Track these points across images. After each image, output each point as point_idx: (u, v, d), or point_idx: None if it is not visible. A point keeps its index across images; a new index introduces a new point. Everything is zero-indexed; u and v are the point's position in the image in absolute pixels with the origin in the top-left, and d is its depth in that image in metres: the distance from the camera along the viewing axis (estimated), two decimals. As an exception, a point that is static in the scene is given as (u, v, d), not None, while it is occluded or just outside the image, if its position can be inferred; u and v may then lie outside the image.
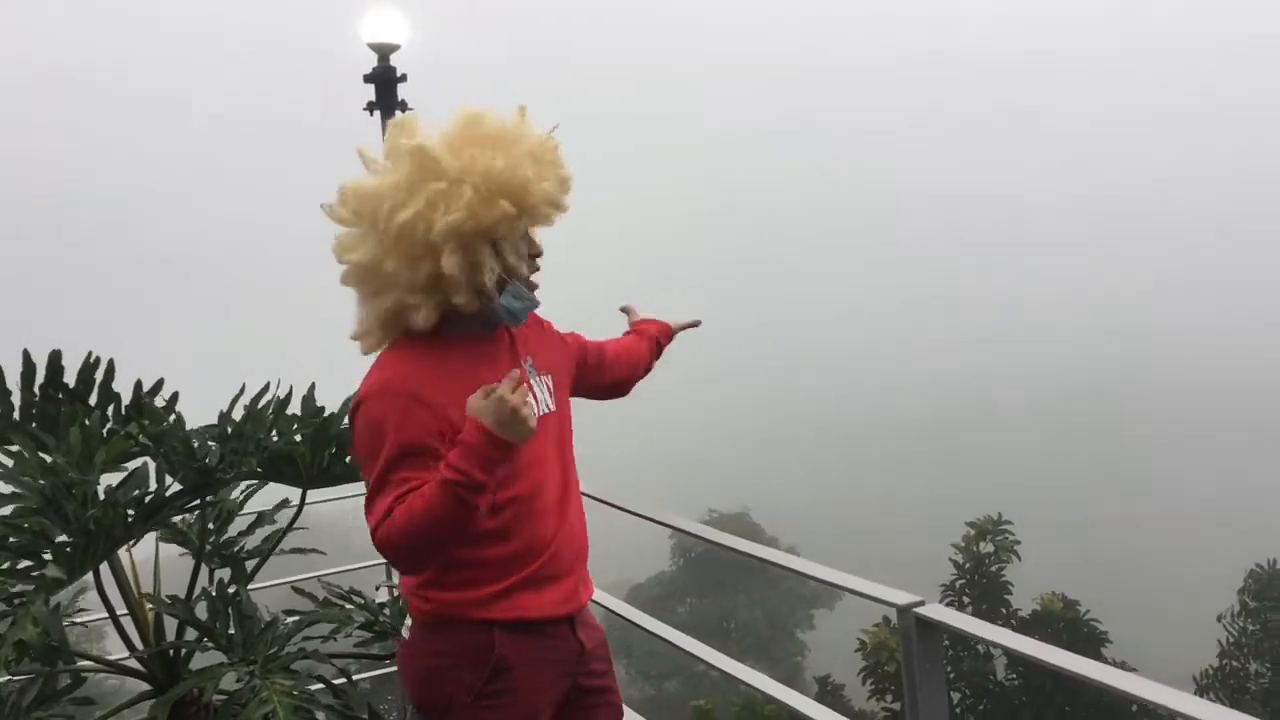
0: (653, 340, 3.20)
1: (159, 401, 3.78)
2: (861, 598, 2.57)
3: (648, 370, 3.18)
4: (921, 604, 2.38)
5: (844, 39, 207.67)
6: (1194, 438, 74.34)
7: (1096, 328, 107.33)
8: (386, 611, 3.71)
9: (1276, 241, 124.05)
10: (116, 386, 3.74)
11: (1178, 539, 55.92)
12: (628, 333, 3.23)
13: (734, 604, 35.08)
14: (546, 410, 2.57)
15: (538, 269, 2.52)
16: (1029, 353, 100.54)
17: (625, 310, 3.33)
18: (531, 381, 2.54)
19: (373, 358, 2.50)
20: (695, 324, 3.32)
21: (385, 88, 9.57)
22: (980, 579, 13.66)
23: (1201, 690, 12.95)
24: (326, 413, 3.68)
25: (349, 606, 3.67)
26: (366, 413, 2.35)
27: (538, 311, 2.65)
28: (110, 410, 3.73)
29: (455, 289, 2.37)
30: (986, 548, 13.83)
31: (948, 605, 13.46)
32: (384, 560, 2.85)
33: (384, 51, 9.61)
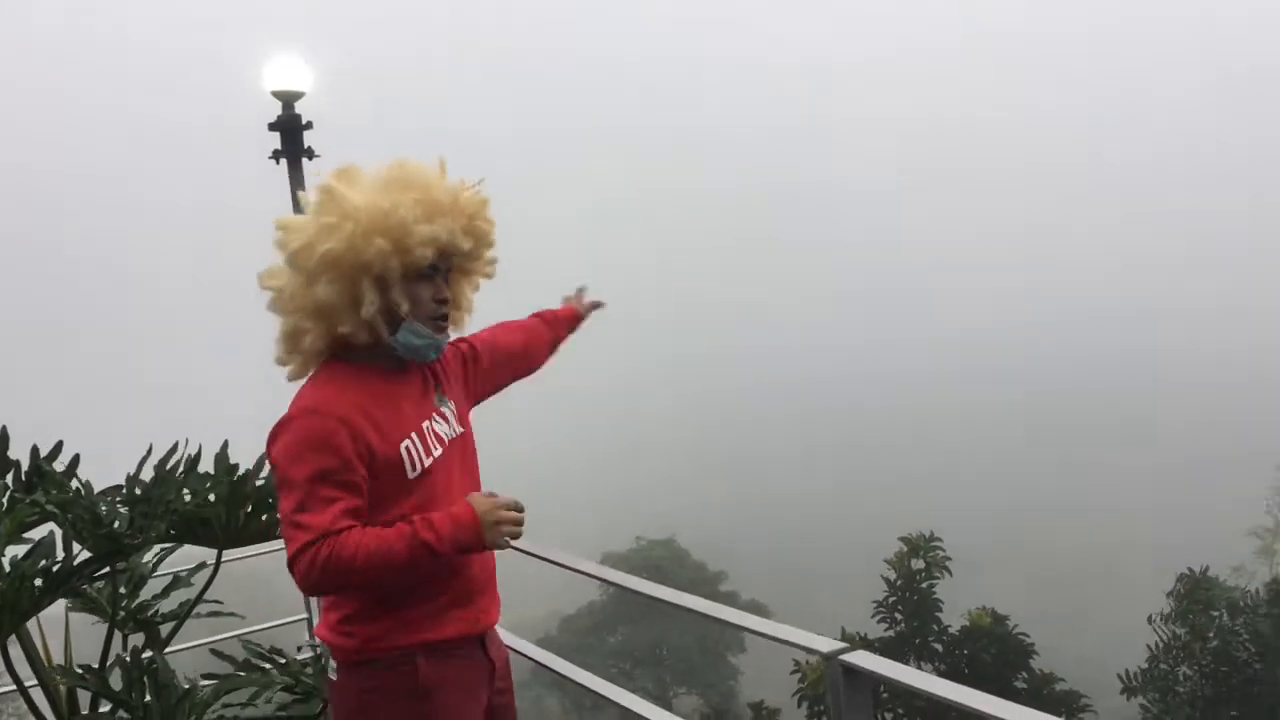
0: (557, 325, 3.33)
1: (59, 465, 3.66)
2: (786, 645, 2.55)
3: (550, 353, 3.31)
4: (847, 650, 2.37)
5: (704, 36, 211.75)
6: (1121, 444, 76.42)
7: (1021, 328, 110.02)
8: (309, 671, 3.61)
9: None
10: (13, 453, 3.62)
11: (1107, 546, 57.27)
12: (532, 315, 3.33)
13: (666, 631, 35.01)
14: (453, 435, 2.70)
15: (441, 312, 2.62)
16: (957, 362, 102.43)
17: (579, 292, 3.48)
18: (444, 410, 2.69)
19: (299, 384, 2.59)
20: (599, 304, 3.48)
21: (291, 135, 9.50)
22: (912, 596, 13.77)
23: (1129, 691, 13.20)
24: (241, 470, 3.58)
25: (269, 668, 3.57)
26: (294, 430, 2.41)
27: None
28: (10, 478, 3.59)
29: (337, 317, 2.49)
30: (918, 564, 13.95)
31: (880, 621, 13.67)
32: (300, 616, 2.80)
33: (288, 99, 9.55)
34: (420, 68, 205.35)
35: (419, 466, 2.52)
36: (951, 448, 79.17)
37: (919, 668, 13.21)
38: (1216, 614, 13.03)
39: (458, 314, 2.76)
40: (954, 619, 13.77)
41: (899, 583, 13.93)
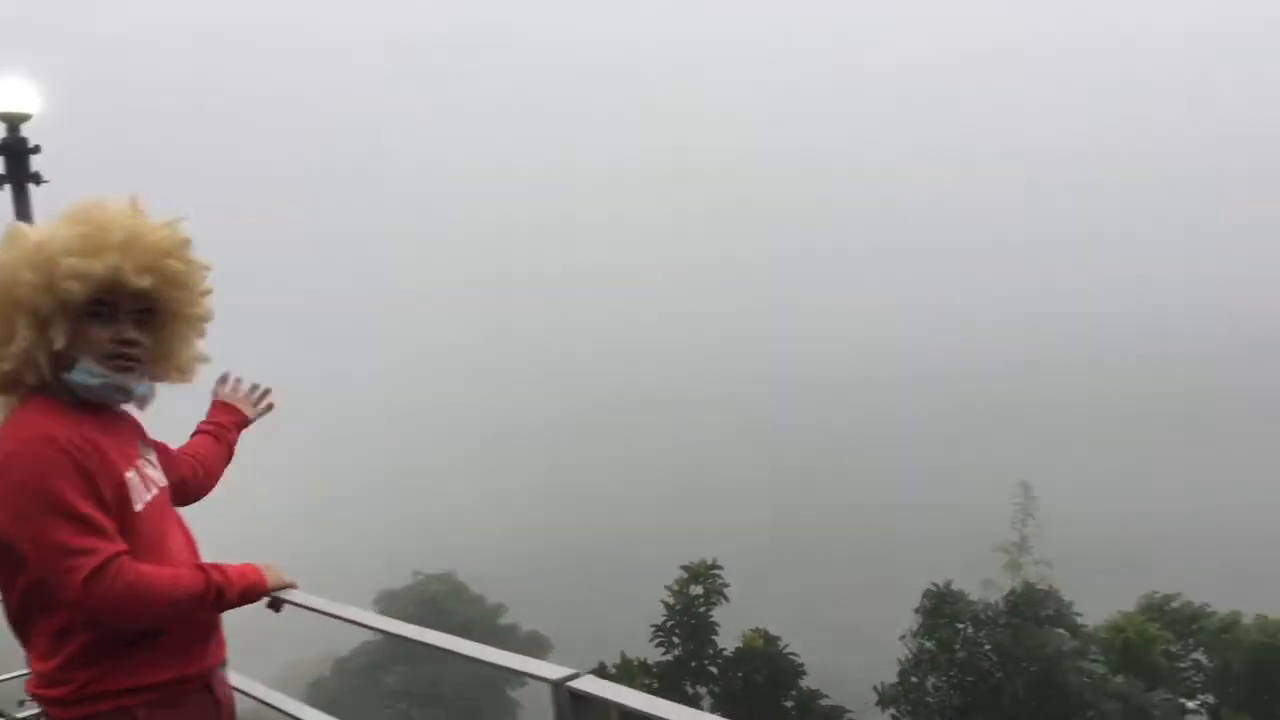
0: (228, 442, 3.29)
1: None
2: (514, 673, 2.59)
3: (219, 476, 3.24)
4: (575, 677, 2.40)
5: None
6: (877, 457, 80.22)
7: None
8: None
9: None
10: None
11: (872, 558, 59.79)
12: (203, 430, 3.27)
13: (444, 668, 34.35)
14: (163, 484, 2.67)
15: (119, 352, 2.49)
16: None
17: (221, 381, 3.37)
18: (149, 458, 2.68)
19: None
20: (268, 408, 3.45)
21: (16, 160, 8.99)
22: (690, 621, 14.14)
23: (883, 703, 13.96)
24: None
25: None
26: (27, 460, 2.35)
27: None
28: None
29: None
30: (697, 590, 14.35)
31: (658, 645, 13.94)
32: (21, 672, 2.70)
33: (13, 121, 9.04)
34: (159, 94, 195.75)
35: (140, 503, 2.48)
36: (724, 469, 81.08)
37: (695, 691, 13.58)
38: (962, 626, 13.96)
39: (166, 362, 2.64)
40: (731, 640, 14.24)
41: (678, 607, 14.30)
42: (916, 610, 14.32)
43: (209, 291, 2.66)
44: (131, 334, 2.49)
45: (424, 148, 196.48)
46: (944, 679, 13.73)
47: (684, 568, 14.90)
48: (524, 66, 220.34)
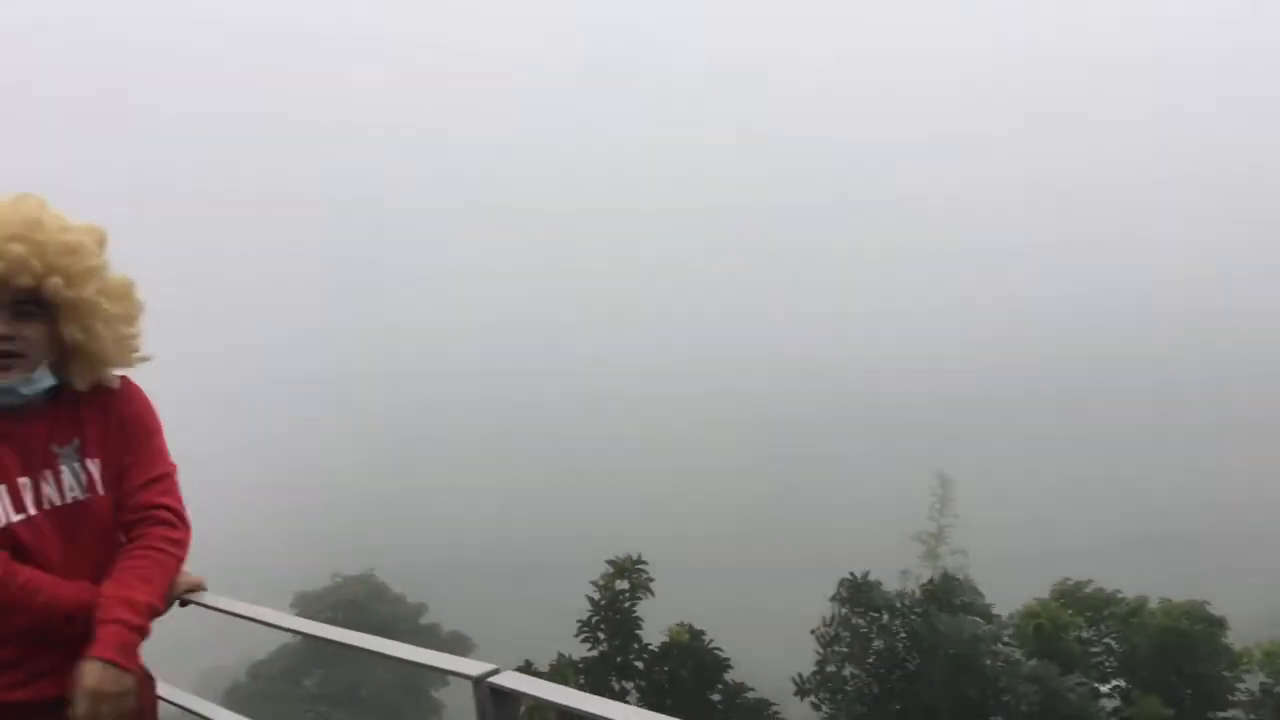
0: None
1: None
2: (436, 671, 2.60)
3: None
4: (495, 673, 2.42)
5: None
6: (800, 444, 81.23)
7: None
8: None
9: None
10: None
11: (794, 549, 60.47)
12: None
13: (364, 670, 33.94)
14: (67, 499, 2.49)
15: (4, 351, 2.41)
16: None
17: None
18: (68, 467, 2.50)
19: None
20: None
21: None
22: (615, 615, 14.15)
23: (801, 692, 14.12)
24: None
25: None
26: None
27: (145, 392, 2.66)
28: None
29: None
30: (622, 585, 14.37)
31: (583, 641, 13.91)
32: None
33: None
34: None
35: (1, 521, 2.37)
36: (645, 465, 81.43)
37: (621, 686, 13.59)
38: (877, 615, 14.18)
39: (81, 353, 2.51)
40: (656, 635, 14.28)
41: (603, 603, 14.30)
42: (831, 599, 14.53)
43: (95, 268, 2.49)
44: (2, 329, 2.38)
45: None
46: (861, 668, 13.93)
47: (609, 562, 14.91)
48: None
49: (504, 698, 2.40)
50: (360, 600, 37.32)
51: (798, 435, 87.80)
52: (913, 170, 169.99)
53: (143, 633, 2.41)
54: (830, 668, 14.06)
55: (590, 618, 14.40)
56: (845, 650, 14.08)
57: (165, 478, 2.66)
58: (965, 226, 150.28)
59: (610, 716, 2.19)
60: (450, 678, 2.54)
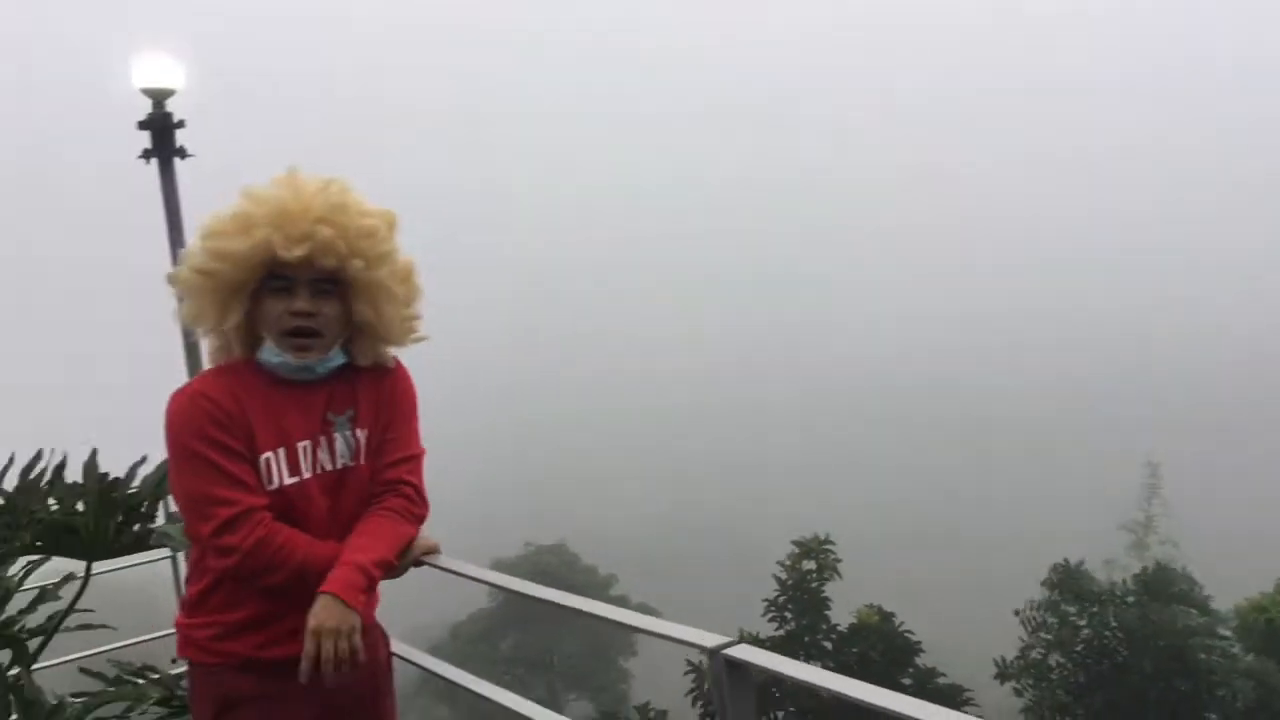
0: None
1: (-83, 478, 3.50)
2: (671, 640, 2.56)
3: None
4: (731, 645, 2.35)
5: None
6: (997, 436, 78.70)
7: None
8: (184, 684, 3.50)
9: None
10: None
11: (984, 539, 58.90)
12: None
13: (556, 637, 34.91)
14: (338, 466, 2.64)
15: (292, 325, 2.52)
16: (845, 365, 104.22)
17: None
18: (340, 435, 2.64)
19: None
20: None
21: (161, 134, 9.22)
22: (803, 596, 14.04)
23: (1003, 676, 13.67)
24: (110, 478, 3.45)
25: (142, 683, 3.45)
26: (173, 416, 2.48)
27: (406, 368, 2.79)
28: None
29: (199, 333, 2.60)
30: (809, 565, 14.24)
31: (771, 620, 13.86)
32: (176, 627, 2.73)
33: (159, 97, 9.27)
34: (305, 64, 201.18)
35: (276, 482, 2.52)
36: (836, 445, 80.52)
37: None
38: (1087, 604, 13.59)
39: (368, 331, 2.63)
40: (843, 616, 14.08)
41: (790, 583, 14.20)
42: (1042, 584, 14.02)
43: (389, 252, 2.60)
44: (302, 305, 2.51)
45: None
46: (1067, 655, 13.40)
47: (796, 543, 14.79)
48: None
49: (738, 669, 2.35)
50: (552, 570, 38.28)
51: (997, 416, 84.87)
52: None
53: (370, 578, 2.51)
54: (1035, 653, 13.57)
55: (777, 597, 14.33)
56: (1051, 637, 13.57)
57: (415, 459, 2.79)
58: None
59: (854, 694, 2.09)
60: (684, 647, 2.53)
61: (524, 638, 35.35)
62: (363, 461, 2.67)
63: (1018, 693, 13.47)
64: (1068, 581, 13.78)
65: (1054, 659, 13.45)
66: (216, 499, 2.41)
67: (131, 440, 2.50)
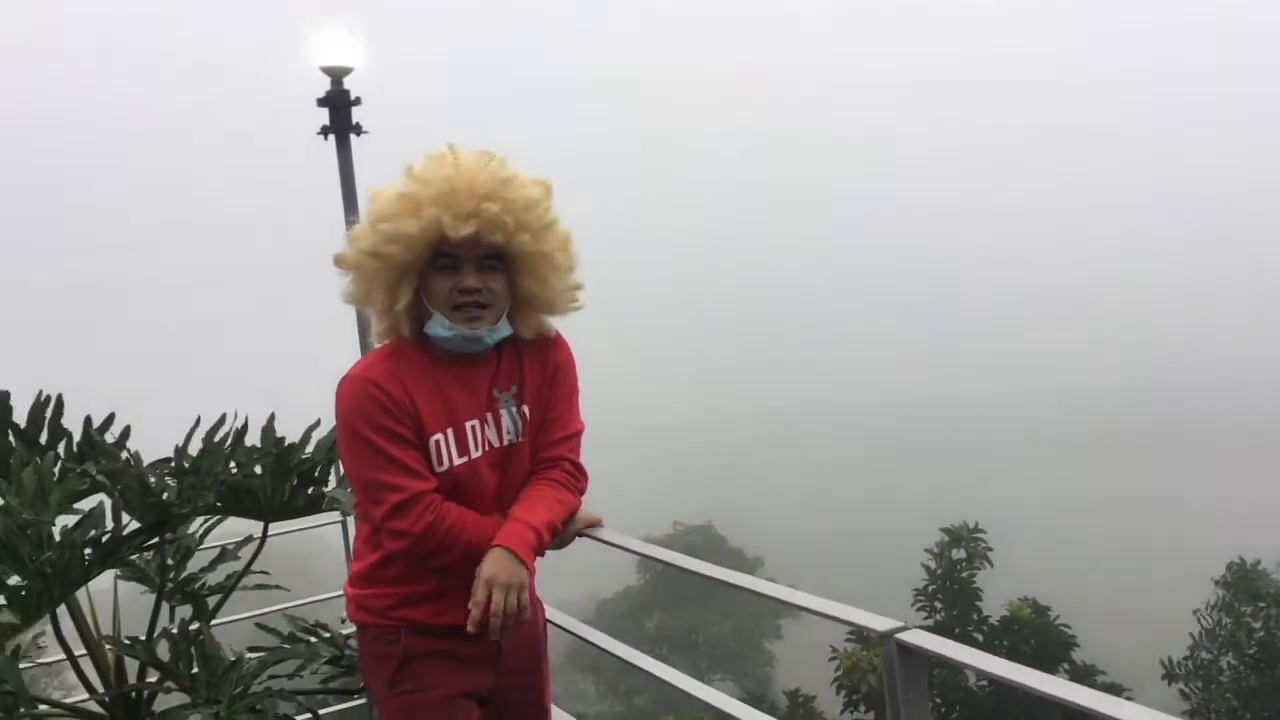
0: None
1: (109, 437, 3.70)
2: (841, 623, 2.52)
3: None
4: (904, 629, 2.33)
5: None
6: (1166, 432, 75.36)
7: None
8: (353, 644, 3.63)
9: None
10: (65, 423, 3.66)
11: (1145, 535, 56.51)
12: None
13: (702, 617, 34.98)
14: (505, 442, 2.68)
15: (461, 301, 2.54)
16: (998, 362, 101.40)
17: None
18: (506, 411, 2.66)
19: None
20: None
21: (339, 112, 9.50)
22: (952, 585, 13.69)
23: (1170, 677, 13.08)
24: (286, 443, 3.60)
25: (314, 641, 3.59)
26: (343, 400, 2.54)
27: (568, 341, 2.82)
28: (62, 448, 3.64)
29: (369, 311, 2.66)
30: (959, 554, 13.87)
31: (919, 610, 13.56)
32: (345, 591, 2.83)
33: (337, 75, 9.55)
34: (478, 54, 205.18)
35: (445, 463, 2.56)
36: (985, 436, 78.34)
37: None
38: (1263, 605, 12.88)
39: (531, 304, 2.65)
40: (994, 609, 13.66)
41: (939, 571, 13.86)
42: (1216, 582, 13.32)
43: (552, 222, 2.61)
44: (471, 282, 2.53)
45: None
46: (1239, 659, 12.72)
47: (945, 530, 14.40)
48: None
49: (911, 655, 2.34)
50: (699, 550, 38.38)
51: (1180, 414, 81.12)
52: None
53: (540, 538, 2.57)
54: (1204, 655, 12.93)
55: (926, 586, 14.00)
56: (1225, 635, 12.91)
57: (576, 436, 2.82)
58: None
59: (1032, 685, 2.06)
60: (858, 630, 2.49)
61: (669, 617, 35.55)
62: (528, 437, 2.70)
63: (1184, 695, 12.86)
64: (1243, 581, 13.07)
65: (1225, 661, 12.80)
66: (386, 485, 2.46)
67: (304, 406, 2.57)
